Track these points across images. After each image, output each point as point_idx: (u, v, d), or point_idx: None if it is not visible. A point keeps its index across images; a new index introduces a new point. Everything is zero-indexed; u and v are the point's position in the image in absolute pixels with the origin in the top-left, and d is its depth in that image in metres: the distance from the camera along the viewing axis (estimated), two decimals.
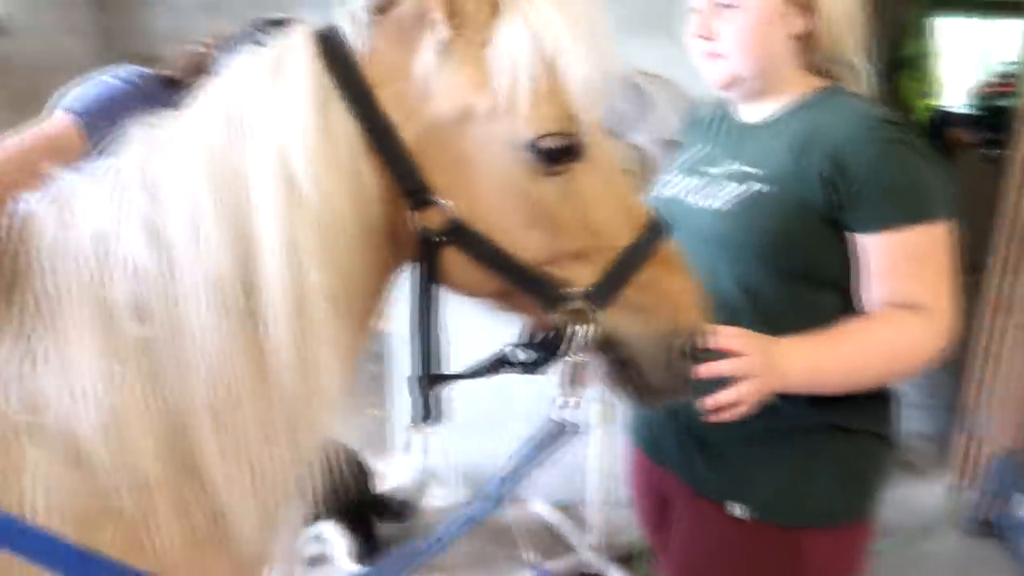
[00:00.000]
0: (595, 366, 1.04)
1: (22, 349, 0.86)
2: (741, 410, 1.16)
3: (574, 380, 1.00)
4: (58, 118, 1.60)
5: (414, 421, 1.03)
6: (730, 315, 1.19)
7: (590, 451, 2.78)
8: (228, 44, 1.41)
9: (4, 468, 0.83)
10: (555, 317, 0.96)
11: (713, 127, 1.50)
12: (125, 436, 0.85)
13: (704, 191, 1.40)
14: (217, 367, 0.86)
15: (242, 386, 0.87)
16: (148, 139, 0.91)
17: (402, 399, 2.92)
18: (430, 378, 1.01)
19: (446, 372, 1.01)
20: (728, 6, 1.31)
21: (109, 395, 0.84)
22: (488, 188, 0.91)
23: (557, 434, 1.01)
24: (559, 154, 0.90)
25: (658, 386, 1.03)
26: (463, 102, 0.89)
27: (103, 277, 0.86)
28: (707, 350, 1.06)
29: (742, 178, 1.34)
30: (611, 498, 2.83)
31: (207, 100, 0.91)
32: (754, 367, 1.14)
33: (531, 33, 0.87)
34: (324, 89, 0.87)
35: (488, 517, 1.00)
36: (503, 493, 0.99)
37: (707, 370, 1.08)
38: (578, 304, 0.95)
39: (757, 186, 1.31)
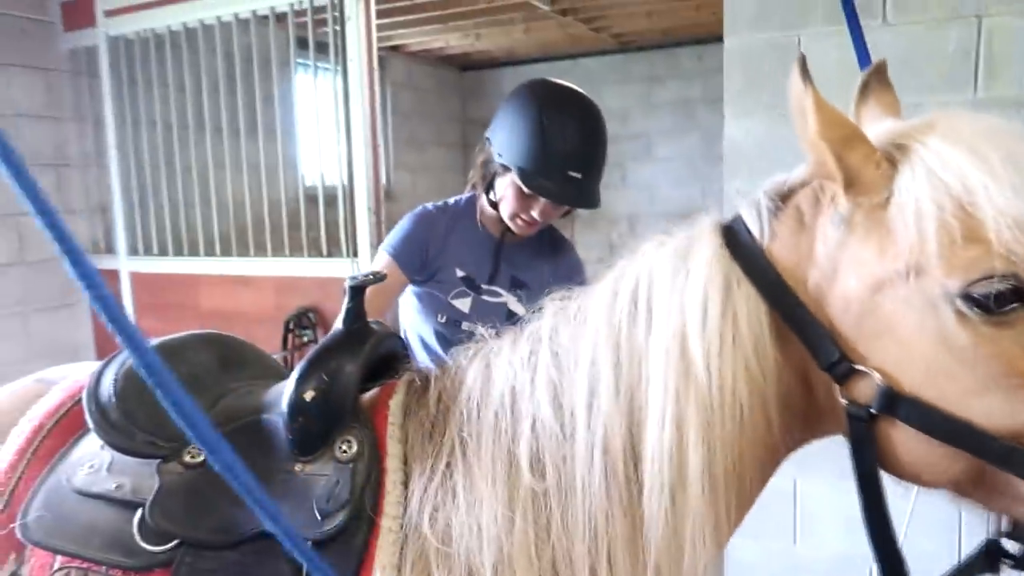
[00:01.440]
0: None
1: (443, 482, 0.99)
2: None
3: None
4: (380, 257, 2.10)
5: None
6: None
7: None
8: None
9: None
10: None
11: None
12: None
13: None
14: (599, 526, 0.92)
15: (620, 550, 0.92)
16: (560, 310, 1.03)
17: (732, 559, 2.86)
18: None
19: None
20: None
21: (505, 538, 0.94)
22: (923, 354, 0.83)
23: None
24: (999, 300, 0.79)
25: None
26: (874, 270, 0.85)
27: (512, 430, 0.98)
28: None
29: None
30: None
31: (615, 280, 0.99)
32: None
33: (931, 177, 0.81)
34: (729, 274, 0.91)
35: None
36: None
37: None
38: None
39: None
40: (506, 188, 2.00)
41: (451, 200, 2.21)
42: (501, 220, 2.06)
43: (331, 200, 3.64)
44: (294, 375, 1.09)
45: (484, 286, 2.08)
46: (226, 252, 3.89)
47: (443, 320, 2.08)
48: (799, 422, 0.94)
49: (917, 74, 2.44)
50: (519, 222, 2.02)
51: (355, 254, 3.43)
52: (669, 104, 7.14)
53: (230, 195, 3.89)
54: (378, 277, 1.19)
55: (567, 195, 1.92)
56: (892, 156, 0.85)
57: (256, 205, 3.84)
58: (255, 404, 1.15)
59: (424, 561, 0.96)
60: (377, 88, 3.59)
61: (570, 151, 1.90)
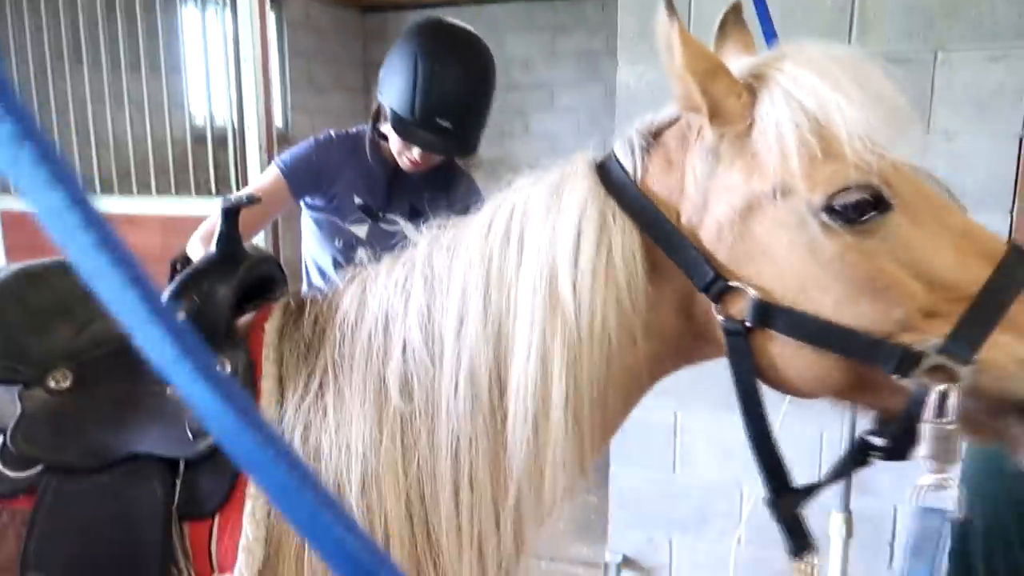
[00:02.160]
0: (965, 432, 0.87)
1: (315, 402, 1.01)
2: None
3: (944, 455, 0.83)
4: (270, 171, 2.10)
5: (792, 554, 0.94)
6: None
7: (829, 566, 2.48)
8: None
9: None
10: (912, 382, 0.84)
11: None
12: (378, 494, 0.96)
13: None
14: (463, 449, 0.95)
15: (481, 471, 0.95)
16: (435, 240, 1.04)
17: (616, 486, 3.02)
18: (792, 494, 0.94)
19: (804, 485, 0.95)
20: None
21: (371, 456, 0.95)
22: (792, 268, 0.87)
23: (933, 525, 0.88)
24: (860, 208, 0.83)
25: None
26: (742, 193, 0.89)
27: (383, 353, 1.00)
28: None
29: None
30: None
31: (490, 213, 1.01)
32: None
33: (788, 99, 0.86)
34: (604, 209, 0.93)
35: None
36: None
37: None
38: (937, 360, 0.82)
39: None
40: (389, 127, 2.00)
41: (354, 129, 2.20)
42: None
43: (221, 140, 3.50)
44: (163, 296, 1.07)
45: (382, 214, 2.10)
46: (107, 191, 3.69)
47: (340, 245, 2.10)
48: (671, 350, 0.99)
49: (797, 26, 2.55)
50: (404, 161, 2.03)
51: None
52: (573, 54, 7.16)
53: (111, 132, 3.69)
54: (252, 199, 1.18)
55: (434, 144, 1.94)
56: (751, 86, 0.90)
57: (140, 143, 3.65)
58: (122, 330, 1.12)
59: None
60: (272, 26, 3.45)
61: (443, 100, 1.90)
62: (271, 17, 3.36)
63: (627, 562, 3.07)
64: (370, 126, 2.13)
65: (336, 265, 2.12)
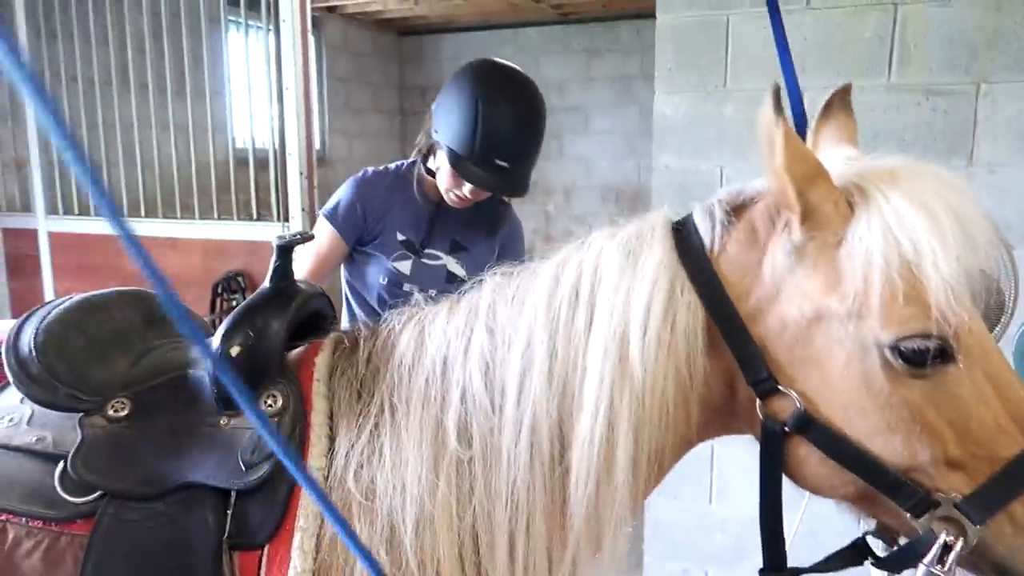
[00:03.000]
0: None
1: (369, 441, 1.02)
2: None
3: None
4: (322, 225, 2.16)
5: None
6: None
7: None
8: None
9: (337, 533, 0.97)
10: (922, 523, 0.88)
11: None
12: (433, 537, 0.97)
13: None
14: (521, 499, 0.96)
15: (539, 522, 0.97)
16: (499, 288, 1.05)
17: (652, 517, 2.98)
18: (784, 572, 0.99)
19: (796, 568, 1.00)
20: None
21: (426, 499, 0.98)
22: (840, 388, 0.89)
23: None
24: (924, 356, 0.85)
25: None
26: (816, 304, 0.90)
27: (441, 398, 1.01)
28: None
29: None
30: None
31: (558, 266, 1.02)
32: None
33: (886, 233, 0.85)
34: (674, 281, 0.94)
35: None
36: None
37: None
38: (949, 511, 0.86)
39: None
40: (441, 162, 2.04)
41: (393, 165, 2.24)
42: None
43: (263, 164, 3.58)
44: (220, 330, 1.10)
45: (425, 249, 2.13)
46: (151, 214, 3.78)
47: (384, 282, 2.13)
48: (718, 420, 1.01)
49: (835, 58, 2.55)
50: (452, 197, 2.06)
51: (286, 218, 3.39)
52: (607, 78, 7.20)
53: (156, 156, 3.78)
54: (305, 237, 1.21)
55: (492, 183, 1.97)
56: (852, 198, 0.89)
57: (184, 167, 3.74)
58: (181, 360, 1.16)
59: (347, 513, 1.00)
60: (312, 50, 3.52)
61: (501, 140, 1.94)
62: (311, 41, 3.43)
63: None
64: (418, 161, 2.17)
65: (381, 301, 2.14)
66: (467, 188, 2.01)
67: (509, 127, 1.96)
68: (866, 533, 0.97)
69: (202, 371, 1.11)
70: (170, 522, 1.02)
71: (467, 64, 2.08)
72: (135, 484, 1.04)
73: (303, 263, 2.11)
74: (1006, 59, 2.41)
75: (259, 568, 1.00)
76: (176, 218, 3.71)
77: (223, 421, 1.07)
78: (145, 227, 3.73)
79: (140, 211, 3.80)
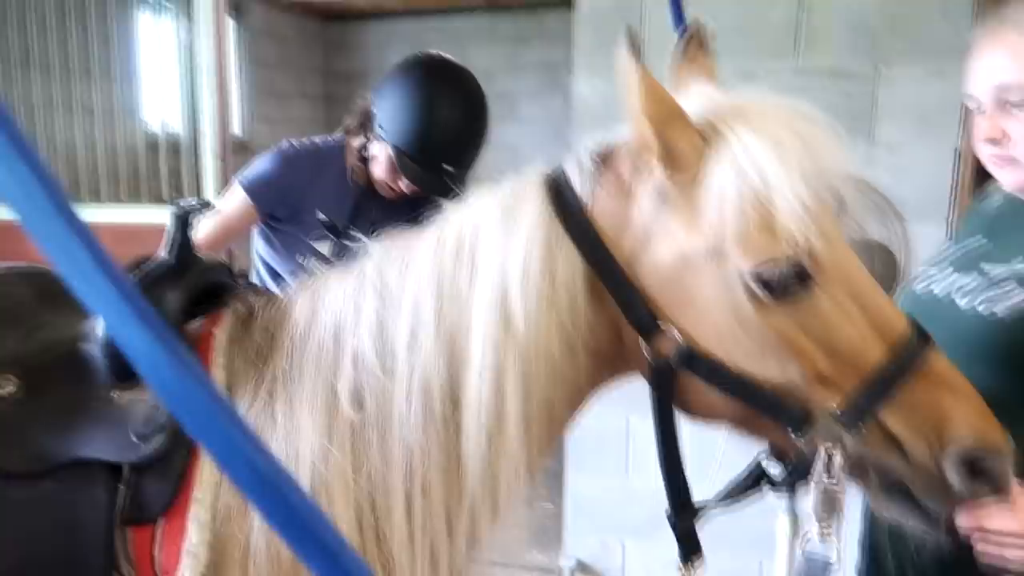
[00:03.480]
0: (852, 492, 0.95)
1: (264, 410, 1.01)
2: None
3: (827, 509, 0.92)
4: (235, 191, 2.10)
5: (682, 560, 1.02)
6: None
7: (776, 566, 2.66)
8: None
9: (239, 508, 0.97)
10: (805, 440, 0.92)
11: (1002, 219, 1.27)
12: (329, 502, 0.96)
13: (979, 293, 1.19)
14: (416, 461, 0.96)
15: (435, 481, 0.97)
16: (386, 252, 1.05)
17: (572, 493, 3.05)
18: (689, 511, 1.02)
19: (703, 501, 1.03)
20: (1019, 104, 1.12)
21: (320, 465, 0.95)
22: (713, 320, 0.92)
23: (812, 571, 0.95)
24: (783, 282, 0.89)
25: (938, 511, 0.92)
26: (681, 243, 0.93)
27: (334, 363, 1.00)
28: (998, 474, 0.90)
29: None
30: None
31: (441, 227, 1.03)
32: None
33: (736, 166, 0.88)
34: (550, 235, 0.96)
35: None
36: None
37: (984, 519, 0.95)
38: (828, 427, 0.90)
39: None
40: (380, 153, 2.02)
41: (319, 140, 2.18)
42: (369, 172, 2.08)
43: (176, 148, 3.47)
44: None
45: (345, 232, 2.09)
46: None
47: (302, 261, 2.08)
48: (608, 367, 1.03)
49: (747, 41, 2.62)
50: (386, 188, 2.05)
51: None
52: (534, 66, 7.22)
53: (60, 139, 3.62)
54: (204, 205, 1.18)
55: (437, 186, 1.94)
56: (707, 136, 0.92)
57: (91, 151, 3.60)
58: (73, 334, 1.12)
59: None
60: (230, 34, 3.43)
61: (450, 145, 1.94)
62: (231, 25, 3.34)
63: (581, 567, 3.09)
64: (347, 141, 2.12)
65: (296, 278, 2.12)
66: (403, 184, 2.00)
67: (459, 133, 1.96)
68: (760, 456, 1.00)
69: (93, 345, 1.07)
70: (59, 500, 0.98)
71: (417, 59, 2.05)
72: (21, 462, 1.00)
73: (207, 226, 2.05)
74: (904, 44, 2.53)
75: (153, 543, 0.98)
76: (84, 202, 3.56)
77: (115, 395, 1.04)
78: None
79: None
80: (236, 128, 4.36)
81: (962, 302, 1.22)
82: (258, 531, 0.96)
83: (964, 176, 2.56)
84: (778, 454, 1.02)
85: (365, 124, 2.07)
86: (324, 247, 2.11)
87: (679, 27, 1.53)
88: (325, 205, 2.10)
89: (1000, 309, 1.15)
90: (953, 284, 1.25)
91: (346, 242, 2.08)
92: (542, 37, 7.15)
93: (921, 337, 0.92)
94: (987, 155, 1.21)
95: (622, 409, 2.84)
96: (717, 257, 0.91)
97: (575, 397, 1.03)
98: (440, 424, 0.96)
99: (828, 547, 0.93)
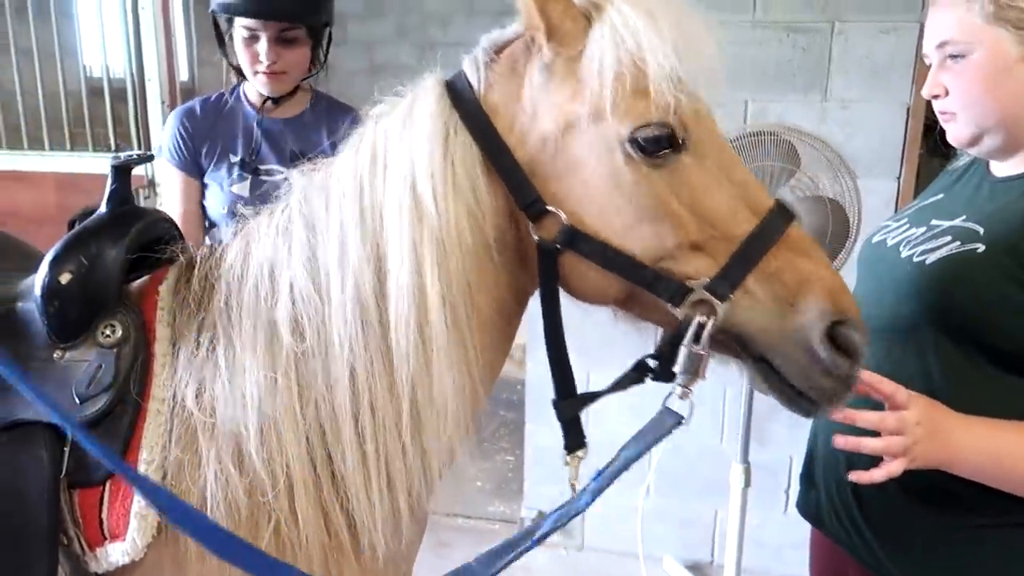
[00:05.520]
0: (717, 358, 1.00)
1: (207, 356, 1.00)
2: (887, 470, 1.07)
3: (693, 371, 0.95)
4: (166, 171, 2.10)
5: (567, 450, 1.05)
6: (907, 383, 1.11)
7: (729, 514, 2.70)
8: None
9: (190, 461, 0.97)
10: (681, 311, 0.95)
11: (960, 176, 1.33)
12: (278, 440, 0.95)
13: (921, 243, 1.25)
14: (360, 377, 0.95)
15: (380, 395, 0.95)
16: (309, 180, 1.05)
17: (531, 444, 3.06)
18: (574, 399, 1.05)
19: (586, 392, 1.05)
20: (956, 56, 1.16)
21: (267, 402, 0.94)
22: (595, 189, 0.95)
23: (664, 423, 0.98)
24: (657, 145, 0.93)
25: (805, 386, 0.95)
26: (565, 113, 0.96)
27: (271, 298, 0.99)
28: (853, 343, 0.94)
29: (966, 236, 1.19)
30: (745, 563, 2.74)
31: (356, 142, 1.04)
32: (909, 424, 1.05)
33: (614, 35, 0.93)
34: (448, 123, 0.98)
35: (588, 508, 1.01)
36: (604, 484, 0.99)
37: (844, 416, 1.02)
38: (701, 295, 0.94)
39: (980, 248, 1.16)
40: (234, 45, 1.98)
41: (214, 93, 2.16)
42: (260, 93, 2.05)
43: (121, 94, 3.33)
44: (47, 258, 1.03)
45: (261, 167, 2.06)
46: None
47: (225, 210, 2.05)
48: (517, 261, 1.03)
49: None
50: (261, 76, 1.99)
51: (147, 149, 3.19)
52: (491, 13, 7.02)
53: None
54: (144, 157, 1.14)
55: (259, 9, 1.90)
56: (589, 13, 0.97)
57: (31, 95, 3.43)
58: (10, 293, 1.08)
59: (191, 435, 0.98)
60: None
61: None
62: None
63: (542, 516, 3.16)
64: (225, 60, 2.09)
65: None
66: (261, 50, 1.94)
67: None
68: (645, 356, 1.04)
69: (32, 303, 1.04)
70: (0, 463, 0.96)
71: None
72: None
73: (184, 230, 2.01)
74: (858, 0, 2.53)
75: (101, 505, 0.97)
76: (23, 150, 3.42)
77: (56, 355, 1.01)
78: None
79: None
80: (183, 73, 4.19)
81: (904, 251, 1.28)
82: (213, 482, 0.96)
83: (914, 132, 2.60)
84: (659, 349, 1.03)
85: (218, 33, 2.04)
86: (244, 188, 2.06)
87: None
88: (234, 145, 2.07)
89: (930, 258, 1.22)
90: (904, 236, 1.31)
91: (264, 177, 2.03)
92: None
93: (784, 211, 0.97)
94: (937, 112, 1.25)
95: (583, 362, 2.86)
96: (597, 122, 0.94)
97: (499, 292, 1.03)
98: (378, 334, 0.96)
99: (685, 406, 0.97)
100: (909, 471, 1.08)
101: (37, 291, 1.02)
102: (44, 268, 1.03)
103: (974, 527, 1.17)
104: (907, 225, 1.33)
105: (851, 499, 1.30)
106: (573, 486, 1.06)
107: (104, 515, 0.96)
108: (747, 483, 2.63)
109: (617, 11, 0.94)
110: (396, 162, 0.98)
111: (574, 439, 1.07)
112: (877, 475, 1.08)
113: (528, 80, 0.99)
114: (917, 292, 1.21)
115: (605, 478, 0.99)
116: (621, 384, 1.06)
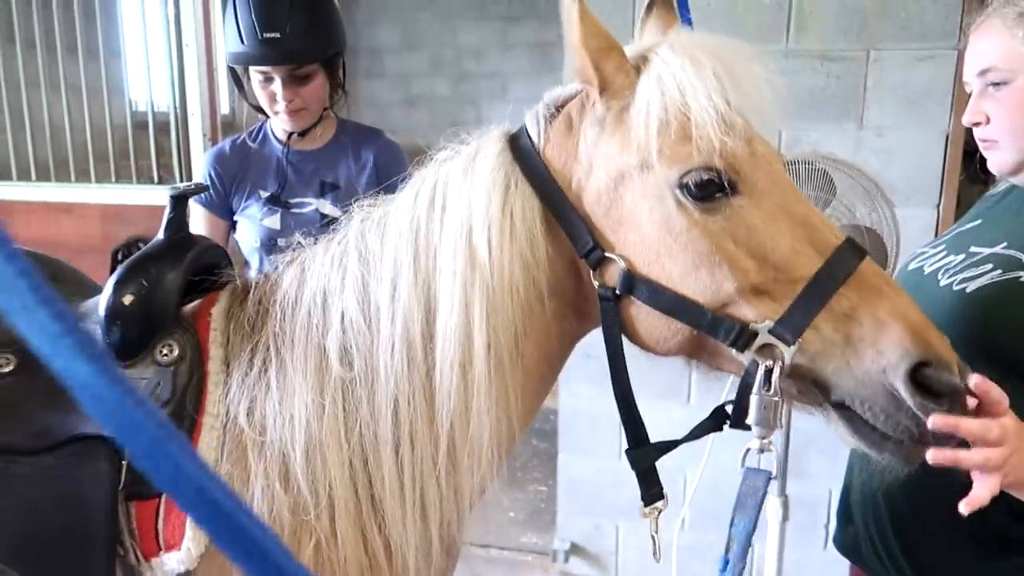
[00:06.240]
0: (791, 404, 0.97)
1: (259, 377, 1.04)
2: (989, 488, 0.91)
3: (766, 422, 0.92)
4: (197, 212, 2.13)
5: (644, 501, 1.03)
6: None
7: (767, 549, 2.58)
8: None
9: (239, 476, 1.01)
10: (746, 356, 0.93)
11: (999, 202, 1.31)
12: (323, 461, 0.99)
13: (961, 271, 1.22)
14: (402, 409, 0.99)
15: (419, 428, 0.99)
16: (367, 216, 1.09)
17: (564, 475, 3.07)
18: (648, 448, 1.04)
19: (664, 441, 1.04)
20: (999, 84, 1.16)
21: (314, 424, 0.99)
22: (650, 237, 0.96)
23: (755, 483, 0.97)
24: (708, 189, 0.93)
25: (892, 430, 0.89)
26: (617, 164, 0.98)
27: (322, 326, 1.03)
28: (946, 388, 0.86)
29: (1008, 264, 1.17)
30: None
31: (416, 185, 1.07)
32: (1011, 433, 0.91)
33: (659, 84, 0.95)
34: (508, 175, 1.01)
35: None
36: (739, 570, 0.98)
37: (945, 422, 0.86)
38: (766, 339, 0.91)
39: (1023, 276, 1.13)
40: (250, 86, 2.06)
41: (250, 129, 2.24)
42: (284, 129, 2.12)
43: (164, 127, 3.44)
44: (111, 281, 1.07)
45: (291, 200, 2.11)
46: (43, 178, 3.59)
47: (258, 244, 2.11)
48: (571, 309, 1.06)
49: (737, 23, 2.62)
50: (280, 114, 2.05)
51: (190, 180, 3.28)
52: (525, 45, 7.18)
53: (47, 118, 3.58)
54: (200, 187, 1.19)
55: (265, 56, 1.97)
56: (639, 66, 0.99)
57: (78, 130, 3.55)
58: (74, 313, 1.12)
59: (241, 451, 1.01)
60: (217, 10, 3.39)
61: (259, 16, 1.95)
62: (217, 1, 3.30)
63: (575, 549, 3.13)
64: (248, 102, 2.17)
65: (263, 264, 2.13)
66: (278, 88, 1.99)
67: (261, 3, 1.97)
68: (725, 403, 1.03)
69: (93, 323, 1.07)
70: (62, 475, 0.99)
71: None
72: (24, 438, 1.01)
73: None
74: (894, 28, 2.54)
75: (157, 517, 0.99)
76: (71, 182, 3.53)
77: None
78: (36, 192, 3.54)
79: (31, 176, 3.60)
80: (223, 107, 4.33)
81: (944, 279, 1.26)
82: (260, 497, 0.98)
83: (953, 160, 2.58)
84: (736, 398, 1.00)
85: (236, 79, 2.13)
86: (275, 221, 2.12)
87: (683, 15, 1.54)
88: (264, 181, 2.14)
89: (971, 286, 1.20)
90: (942, 263, 1.29)
91: (294, 210, 2.10)
92: (533, 16, 7.10)
93: (855, 248, 0.93)
94: (977, 139, 1.25)
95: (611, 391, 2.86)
96: (646, 171, 0.96)
97: (544, 341, 1.05)
98: (422, 370, 1.00)
99: (768, 460, 0.95)
100: (950, 504, 0.94)
101: (101, 311, 1.06)
102: (108, 290, 1.07)
103: (1022, 568, 1.14)
104: (945, 252, 1.31)
105: (890, 534, 1.27)
106: (654, 539, 1.05)
107: (160, 526, 0.99)
108: (785, 517, 2.58)
109: (662, 60, 0.96)
110: (455, 208, 1.02)
111: (650, 489, 1.05)
112: (983, 495, 0.92)
113: (583, 136, 1.01)
114: (958, 321, 1.18)
115: (734, 564, 0.98)
116: (698, 432, 1.05)
